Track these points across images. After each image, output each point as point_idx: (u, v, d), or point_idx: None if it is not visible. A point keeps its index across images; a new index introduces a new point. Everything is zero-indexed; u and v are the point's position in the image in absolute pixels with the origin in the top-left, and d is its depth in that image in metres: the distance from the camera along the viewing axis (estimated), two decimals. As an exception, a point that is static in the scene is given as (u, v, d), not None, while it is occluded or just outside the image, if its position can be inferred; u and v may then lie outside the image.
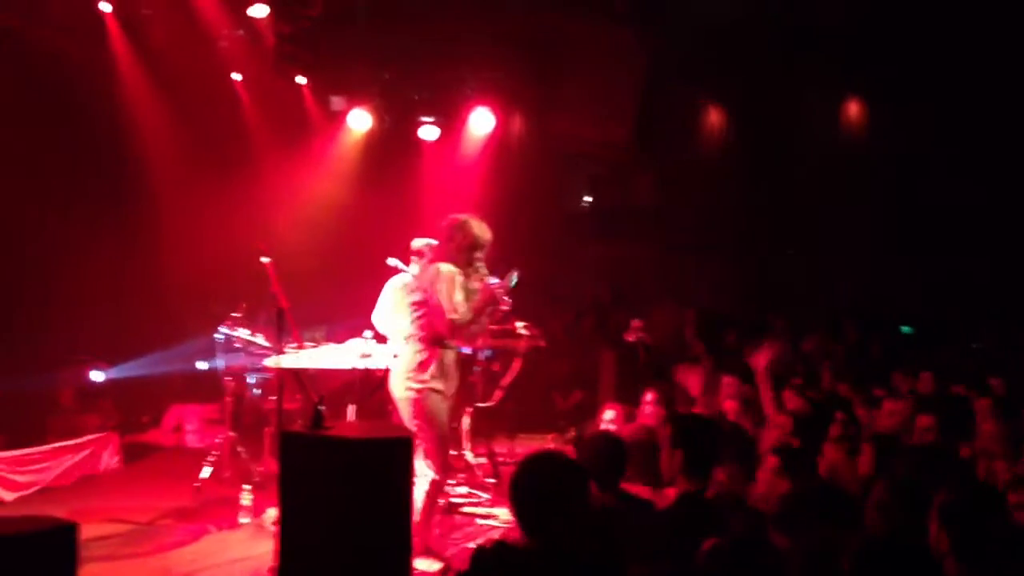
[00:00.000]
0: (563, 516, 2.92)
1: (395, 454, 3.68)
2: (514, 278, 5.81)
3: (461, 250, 5.83)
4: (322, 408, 3.85)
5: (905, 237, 11.95)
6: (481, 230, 5.91)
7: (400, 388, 5.83)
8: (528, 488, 2.98)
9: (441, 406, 5.78)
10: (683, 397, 8.24)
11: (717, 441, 3.94)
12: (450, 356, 5.92)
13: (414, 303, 5.99)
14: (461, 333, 5.90)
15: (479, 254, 5.89)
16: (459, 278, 5.76)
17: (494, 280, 5.85)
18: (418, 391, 5.72)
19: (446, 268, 5.76)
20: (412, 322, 5.95)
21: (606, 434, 4.66)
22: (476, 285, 5.90)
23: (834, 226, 12.38)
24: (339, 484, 3.55)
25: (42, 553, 3.00)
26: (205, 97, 10.79)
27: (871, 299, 12.21)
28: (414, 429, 5.60)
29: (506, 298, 5.86)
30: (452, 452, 7.67)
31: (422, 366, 5.76)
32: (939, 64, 10.94)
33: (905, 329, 12.30)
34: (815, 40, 11.26)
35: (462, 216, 5.94)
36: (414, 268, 6.94)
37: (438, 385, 5.76)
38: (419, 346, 5.84)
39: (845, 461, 4.83)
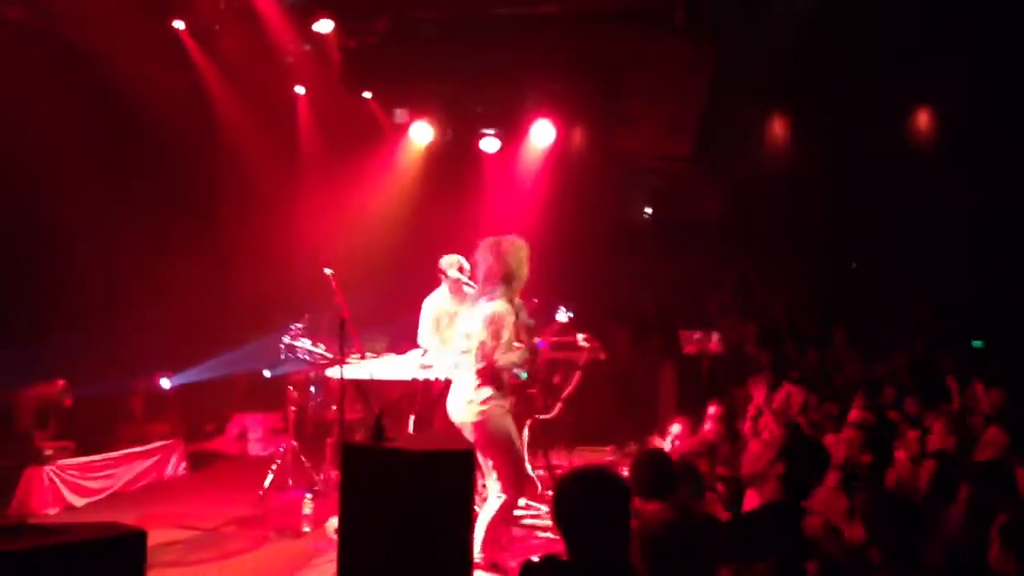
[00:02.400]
0: (605, 531, 2.90)
1: (456, 467, 3.68)
2: (562, 315, 5.84)
3: (513, 273, 5.74)
4: (383, 420, 3.87)
5: (978, 247, 11.64)
6: (524, 244, 5.85)
7: (463, 413, 5.69)
8: (569, 503, 2.97)
9: (509, 421, 5.66)
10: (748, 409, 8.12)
11: (820, 463, 3.90)
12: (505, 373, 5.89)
13: (464, 334, 5.86)
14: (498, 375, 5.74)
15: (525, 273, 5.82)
16: (510, 318, 5.62)
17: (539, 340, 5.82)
18: (482, 412, 5.59)
19: (501, 307, 5.64)
20: (462, 351, 5.84)
21: (653, 450, 4.65)
22: (526, 319, 5.81)
23: (902, 238, 12.11)
24: (400, 496, 3.56)
25: (112, 559, 3.06)
26: (271, 111, 11.00)
27: (942, 312, 11.91)
28: (483, 454, 5.50)
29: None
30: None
31: (480, 386, 5.66)
32: (1009, 70, 10.64)
33: (976, 343, 11.98)
34: (881, 50, 11.04)
35: (515, 238, 5.84)
36: (444, 288, 7.06)
37: (502, 401, 5.66)
38: (475, 370, 5.73)
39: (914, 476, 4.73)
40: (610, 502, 2.95)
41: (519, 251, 5.81)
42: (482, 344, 5.59)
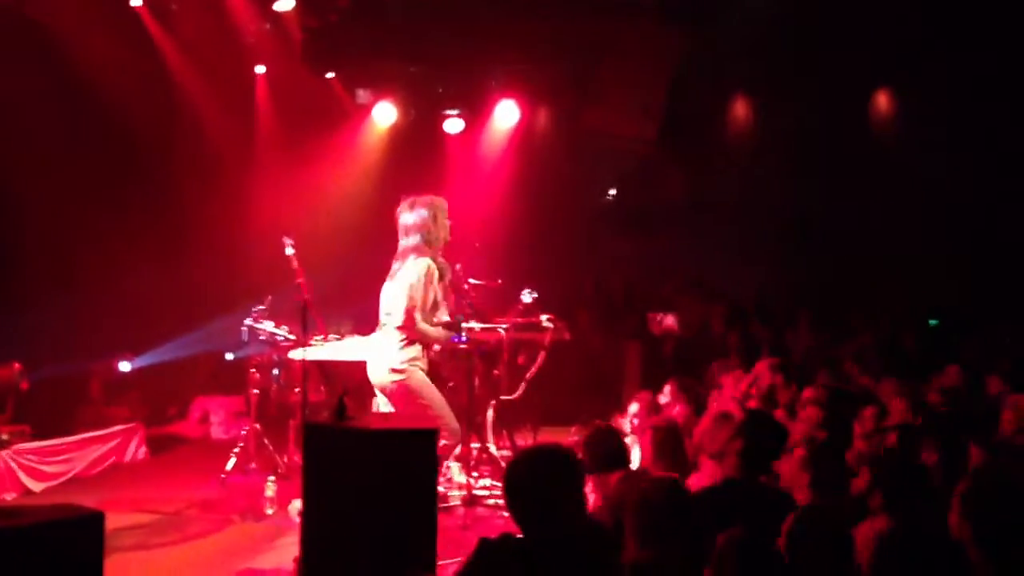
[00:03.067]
0: (552, 505, 2.90)
1: (419, 445, 3.66)
2: (526, 296, 5.97)
3: (445, 227, 5.97)
4: (346, 399, 3.84)
5: (934, 229, 11.78)
6: (442, 201, 6.07)
7: (384, 376, 5.86)
8: (519, 482, 2.97)
9: (424, 376, 5.84)
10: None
11: (777, 438, 3.95)
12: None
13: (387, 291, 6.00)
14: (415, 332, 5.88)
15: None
16: (435, 276, 5.85)
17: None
18: (403, 371, 5.78)
19: (425, 265, 5.82)
20: (387, 312, 5.97)
21: (601, 426, 4.70)
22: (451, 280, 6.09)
23: (864, 219, 12.24)
24: (363, 475, 3.53)
25: (69, 542, 3.00)
26: (232, 91, 10.87)
27: (903, 292, 12.07)
28: (409, 411, 5.70)
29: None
30: (475, 445, 7.71)
31: (404, 347, 5.82)
32: (968, 52, 10.76)
33: (932, 322, 12.16)
34: (843, 32, 11.12)
35: (426, 197, 6.04)
36: None
37: (421, 363, 5.84)
38: (399, 333, 5.86)
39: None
40: (556, 476, 2.94)
41: (435, 209, 5.96)
42: (409, 301, 5.74)
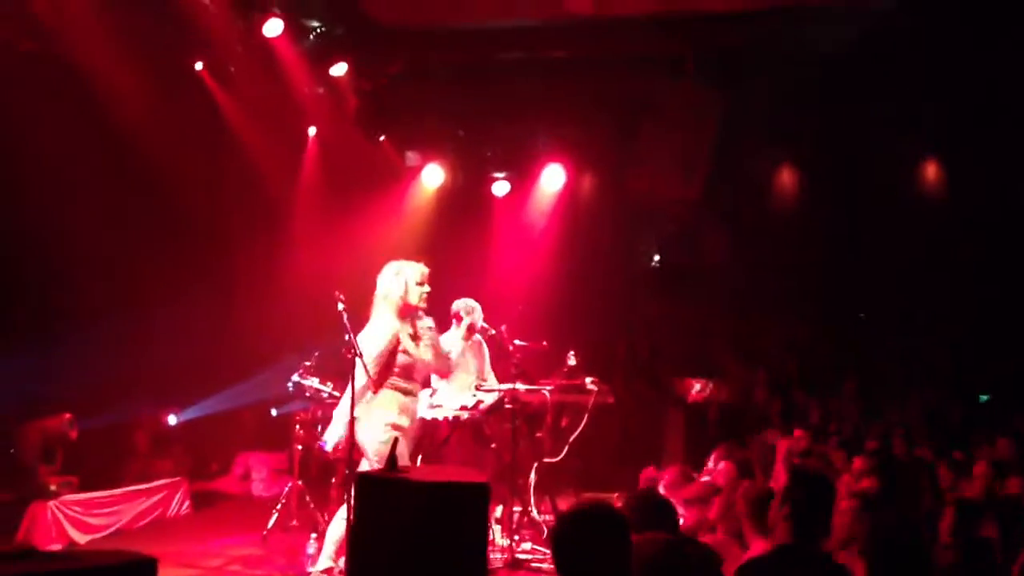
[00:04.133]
0: (605, 566, 2.84)
1: (471, 499, 3.64)
2: (571, 359, 6.02)
3: (409, 291, 5.98)
4: (395, 450, 3.84)
5: (984, 302, 11.62)
6: (419, 266, 6.10)
7: (376, 433, 5.80)
8: (568, 539, 2.91)
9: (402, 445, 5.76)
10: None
11: (826, 499, 3.86)
12: (414, 405, 6.04)
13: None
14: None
15: (427, 288, 6.05)
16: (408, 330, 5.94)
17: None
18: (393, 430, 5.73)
19: (390, 325, 5.91)
20: (372, 372, 5.92)
21: (649, 490, 4.62)
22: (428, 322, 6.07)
23: (909, 289, 12.11)
24: (414, 527, 3.51)
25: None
26: (285, 151, 11.12)
27: (952, 364, 11.87)
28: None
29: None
30: (517, 508, 7.65)
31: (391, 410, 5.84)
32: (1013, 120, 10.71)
33: (983, 397, 11.93)
34: (892, 99, 11.14)
35: (396, 262, 6.12)
36: (454, 330, 7.35)
37: (404, 424, 5.82)
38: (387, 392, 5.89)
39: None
40: (608, 536, 2.90)
41: (391, 272, 6.04)
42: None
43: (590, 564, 2.85)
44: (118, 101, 9.14)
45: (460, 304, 7.51)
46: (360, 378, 5.74)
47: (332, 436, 5.95)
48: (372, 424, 5.80)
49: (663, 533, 3.76)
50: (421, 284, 6.04)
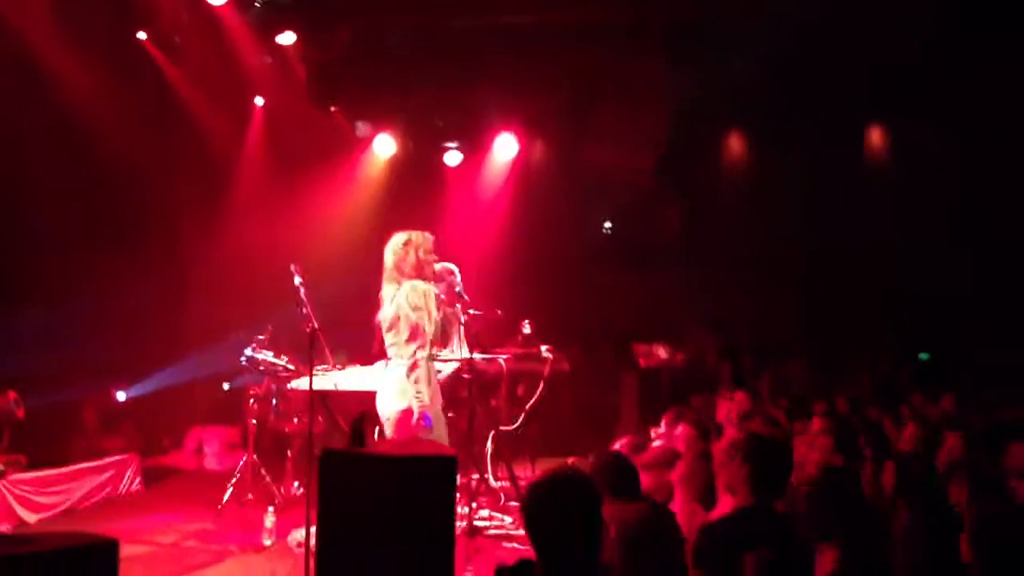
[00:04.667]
0: (575, 532, 2.87)
1: (439, 474, 3.63)
2: (526, 327, 6.03)
3: (421, 262, 6.00)
4: (360, 426, 3.82)
5: (929, 263, 11.88)
6: (425, 237, 6.11)
7: (386, 405, 5.91)
8: (540, 507, 2.93)
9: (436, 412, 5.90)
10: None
11: (788, 461, 3.95)
12: (432, 367, 6.06)
13: (392, 321, 6.01)
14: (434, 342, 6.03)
15: (435, 258, 6.10)
16: (434, 290, 5.97)
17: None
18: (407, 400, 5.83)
19: (423, 286, 5.93)
20: (392, 343, 5.99)
21: (614, 452, 4.67)
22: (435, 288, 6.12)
23: (854, 253, 12.34)
24: (381, 504, 3.50)
25: (84, 569, 2.99)
26: (234, 121, 10.93)
27: (896, 326, 12.16)
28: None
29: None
30: (474, 476, 7.69)
31: (406, 378, 5.87)
32: (960, 87, 10.90)
33: (923, 356, 12.26)
34: (837, 68, 11.26)
35: (402, 233, 6.11)
36: None
37: (425, 397, 5.86)
38: (405, 362, 5.91)
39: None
40: (580, 503, 2.92)
41: (400, 243, 6.03)
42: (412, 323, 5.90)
43: (561, 530, 2.87)
44: (62, 75, 8.92)
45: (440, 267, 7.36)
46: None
47: (387, 406, 5.91)
48: (390, 394, 5.89)
49: (640, 501, 3.83)
50: (429, 253, 6.05)
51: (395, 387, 5.92)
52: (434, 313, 5.91)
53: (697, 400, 9.17)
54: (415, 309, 5.88)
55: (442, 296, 6.14)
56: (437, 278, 6.50)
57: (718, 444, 4.36)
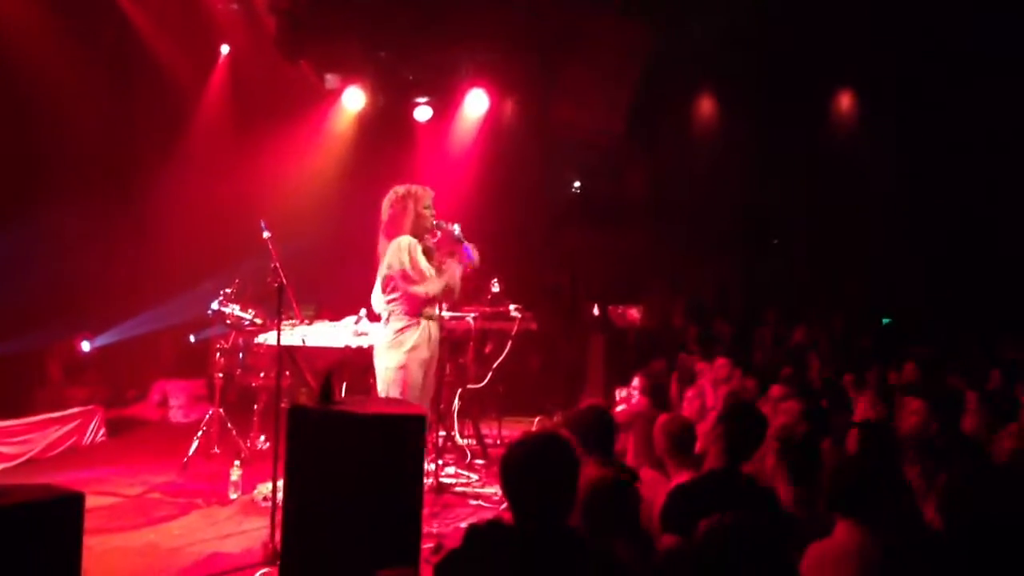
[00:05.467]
0: (554, 495, 2.91)
1: (407, 430, 3.65)
2: (456, 227, 5.93)
3: (420, 215, 5.95)
4: (329, 382, 3.82)
5: (894, 229, 12.03)
6: (424, 190, 6.04)
7: (383, 357, 5.92)
8: (521, 468, 2.95)
9: (416, 377, 5.87)
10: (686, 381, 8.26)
11: (757, 427, 4.01)
12: (435, 328, 6.01)
13: (384, 280, 5.99)
14: (438, 298, 6.02)
15: (432, 211, 6.02)
16: (418, 244, 5.89)
17: (454, 226, 5.99)
18: (402, 364, 5.82)
19: (405, 240, 5.86)
20: (387, 300, 5.98)
21: (596, 407, 4.68)
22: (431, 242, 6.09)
23: (826, 218, 12.45)
24: (350, 460, 3.52)
25: (51, 521, 2.99)
26: (199, 71, 10.74)
27: (863, 291, 12.33)
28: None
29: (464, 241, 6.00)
30: (442, 433, 7.74)
31: (405, 338, 5.86)
32: (933, 53, 10.96)
33: (885, 320, 12.45)
34: (808, 33, 11.27)
35: (401, 186, 6.05)
36: None
37: (422, 354, 5.86)
38: (403, 319, 5.89)
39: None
40: (560, 465, 2.95)
41: (397, 200, 5.98)
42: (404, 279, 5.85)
43: (538, 493, 2.90)
44: (18, 18, 8.67)
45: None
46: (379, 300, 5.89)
47: (377, 363, 5.95)
48: (380, 350, 5.92)
49: (610, 463, 3.86)
50: (428, 208, 6.00)
51: (384, 344, 5.94)
52: (422, 266, 5.84)
53: (658, 364, 9.25)
54: (395, 266, 5.85)
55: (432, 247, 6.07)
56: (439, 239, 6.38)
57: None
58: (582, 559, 2.83)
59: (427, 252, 6.01)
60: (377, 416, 3.71)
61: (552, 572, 2.79)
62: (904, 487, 3.75)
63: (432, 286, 5.86)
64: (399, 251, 5.85)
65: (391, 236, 5.95)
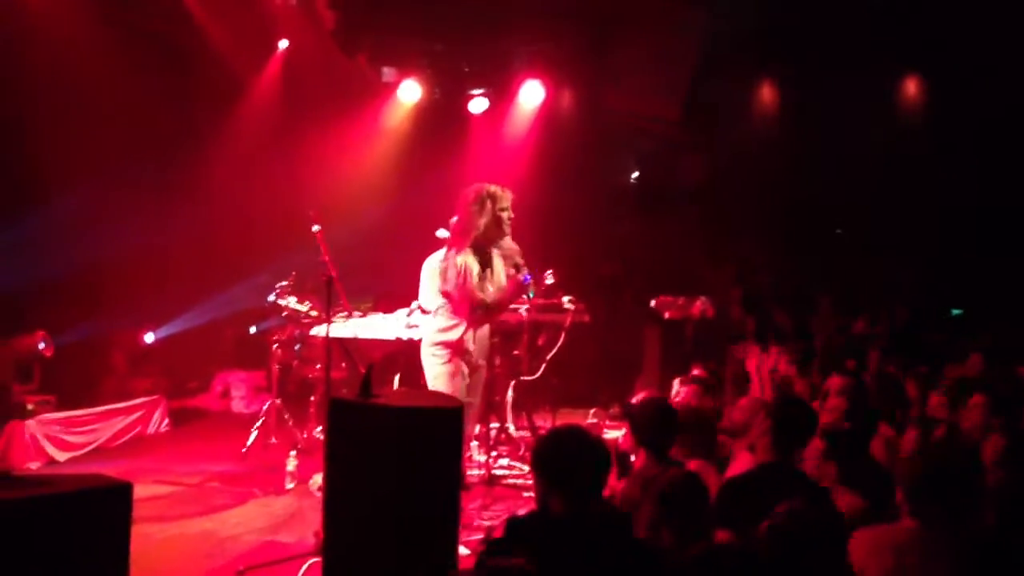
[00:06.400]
0: (582, 488, 2.97)
1: (445, 423, 3.66)
2: (549, 278, 5.90)
3: (497, 217, 5.92)
4: (370, 375, 3.85)
5: (962, 220, 11.69)
6: (504, 192, 5.97)
7: (426, 355, 6.01)
8: (548, 460, 3.03)
9: (461, 374, 5.90)
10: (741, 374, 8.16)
11: (807, 421, 3.95)
12: (483, 328, 6.06)
13: (441, 283, 6.01)
14: (484, 318, 6.04)
15: (511, 215, 5.96)
16: (476, 267, 5.86)
17: (525, 277, 5.94)
18: (444, 359, 5.89)
19: (461, 259, 5.84)
20: (439, 295, 6.02)
21: (657, 400, 4.62)
22: (511, 245, 6.09)
23: (888, 207, 12.15)
24: (388, 452, 3.54)
25: (98, 511, 3.05)
26: (255, 66, 10.89)
27: (925, 282, 12.01)
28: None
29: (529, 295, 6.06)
30: (494, 424, 7.75)
31: (450, 333, 5.91)
32: (1001, 38, 10.59)
33: (955, 311, 12.12)
34: (873, 16, 10.98)
35: (482, 185, 5.97)
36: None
37: (463, 352, 5.90)
38: (449, 317, 5.94)
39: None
40: (587, 460, 3.00)
41: (475, 200, 5.89)
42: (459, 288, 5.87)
43: (562, 481, 2.96)
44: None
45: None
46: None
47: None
48: (427, 351, 6.01)
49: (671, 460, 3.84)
50: (507, 211, 5.95)
51: (427, 341, 6.06)
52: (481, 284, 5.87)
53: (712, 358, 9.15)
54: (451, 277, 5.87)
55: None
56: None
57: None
58: (615, 545, 2.84)
59: (486, 258, 5.99)
60: (412, 409, 3.72)
61: (588, 559, 2.79)
62: (974, 486, 3.64)
63: (489, 310, 5.95)
64: (455, 267, 5.86)
65: (462, 235, 5.91)
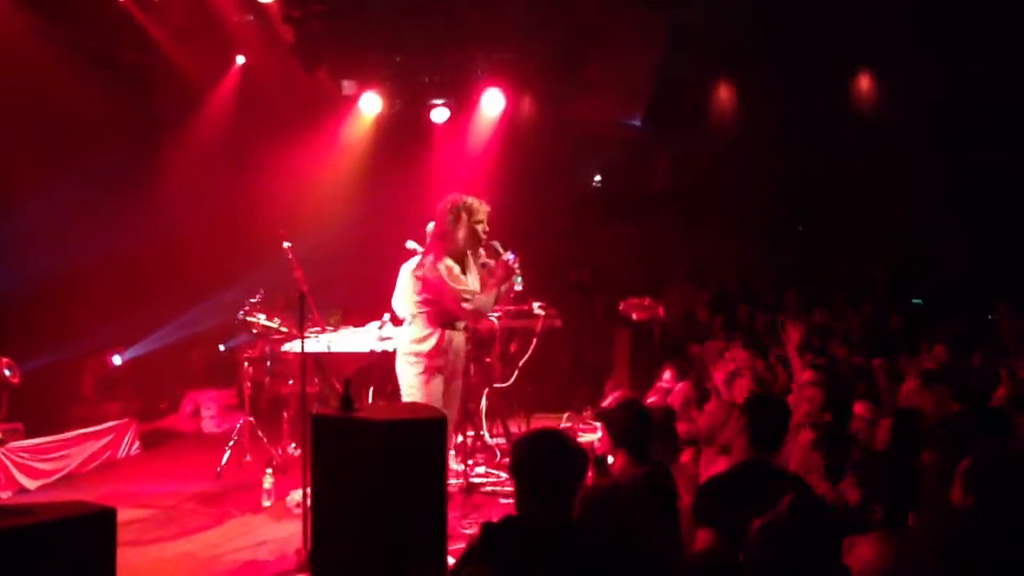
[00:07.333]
0: (558, 492, 2.99)
1: (429, 435, 3.68)
2: (510, 256, 5.87)
3: (473, 229, 5.88)
4: (349, 390, 3.85)
5: (921, 209, 11.88)
6: (480, 204, 5.95)
7: (401, 364, 5.96)
8: (525, 463, 3.05)
9: (436, 384, 5.86)
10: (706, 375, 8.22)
11: (786, 417, 4.00)
12: (459, 337, 5.99)
13: (420, 289, 5.98)
14: (476, 316, 6.02)
15: (486, 228, 5.95)
16: (457, 267, 5.83)
17: (510, 256, 5.87)
18: (420, 368, 5.84)
19: (441, 264, 5.80)
20: (417, 304, 5.99)
21: (631, 400, 4.66)
22: (487, 260, 6.05)
23: (848, 201, 12.33)
24: (372, 466, 3.54)
25: (82, 539, 3.02)
26: (214, 82, 10.83)
27: (889, 273, 12.20)
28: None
29: (518, 274, 5.97)
30: (470, 433, 7.76)
31: (425, 343, 5.86)
32: (948, 28, 10.79)
33: (916, 301, 12.31)
34: (825, 13, 11.15)
35: (459, 196, 5.94)
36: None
37: (439, 362, 5.85)
38: (424, 327, 5.90)
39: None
40: (563, 464, 3.03)
41: (451, 210, 5.86)
42: (443, 292, 5.80)
43: (537, 485, 2.99)
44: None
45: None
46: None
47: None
48: (402, 361, 5.95)
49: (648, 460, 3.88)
50: (482, 223, 5.91)
51: (402, 351, 6.01)
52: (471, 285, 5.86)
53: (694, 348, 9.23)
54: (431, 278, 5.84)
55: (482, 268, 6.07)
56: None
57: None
58: (589, 551, 2.87)
59: (464, 266, 5.96)
60: (394, 422, 3.73)
61: (561, 564, 2.82)
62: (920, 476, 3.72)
63: (480, 302, 5.86)
64: (437, 272, 5.81)
65: (440, 247, 5.87)
